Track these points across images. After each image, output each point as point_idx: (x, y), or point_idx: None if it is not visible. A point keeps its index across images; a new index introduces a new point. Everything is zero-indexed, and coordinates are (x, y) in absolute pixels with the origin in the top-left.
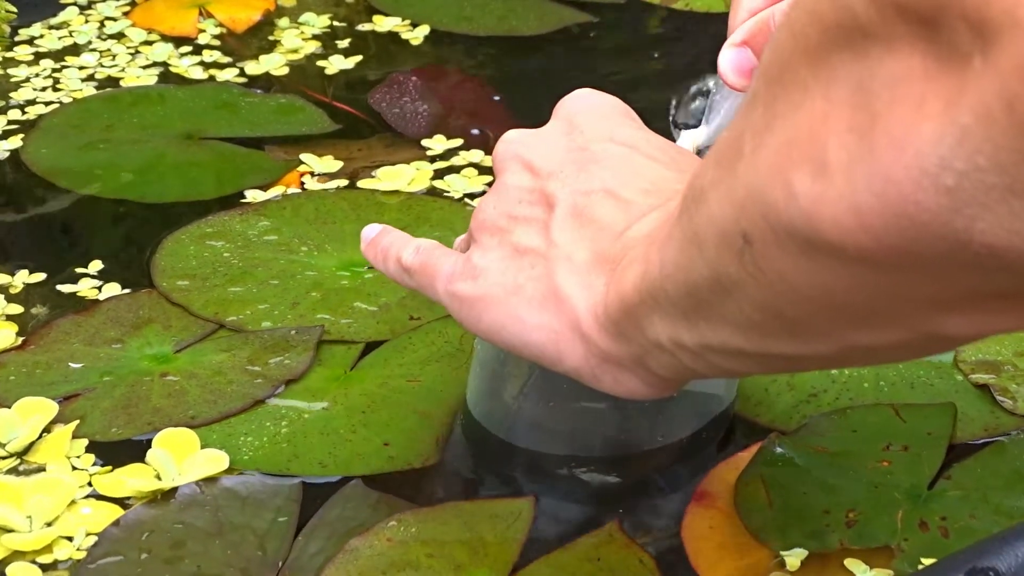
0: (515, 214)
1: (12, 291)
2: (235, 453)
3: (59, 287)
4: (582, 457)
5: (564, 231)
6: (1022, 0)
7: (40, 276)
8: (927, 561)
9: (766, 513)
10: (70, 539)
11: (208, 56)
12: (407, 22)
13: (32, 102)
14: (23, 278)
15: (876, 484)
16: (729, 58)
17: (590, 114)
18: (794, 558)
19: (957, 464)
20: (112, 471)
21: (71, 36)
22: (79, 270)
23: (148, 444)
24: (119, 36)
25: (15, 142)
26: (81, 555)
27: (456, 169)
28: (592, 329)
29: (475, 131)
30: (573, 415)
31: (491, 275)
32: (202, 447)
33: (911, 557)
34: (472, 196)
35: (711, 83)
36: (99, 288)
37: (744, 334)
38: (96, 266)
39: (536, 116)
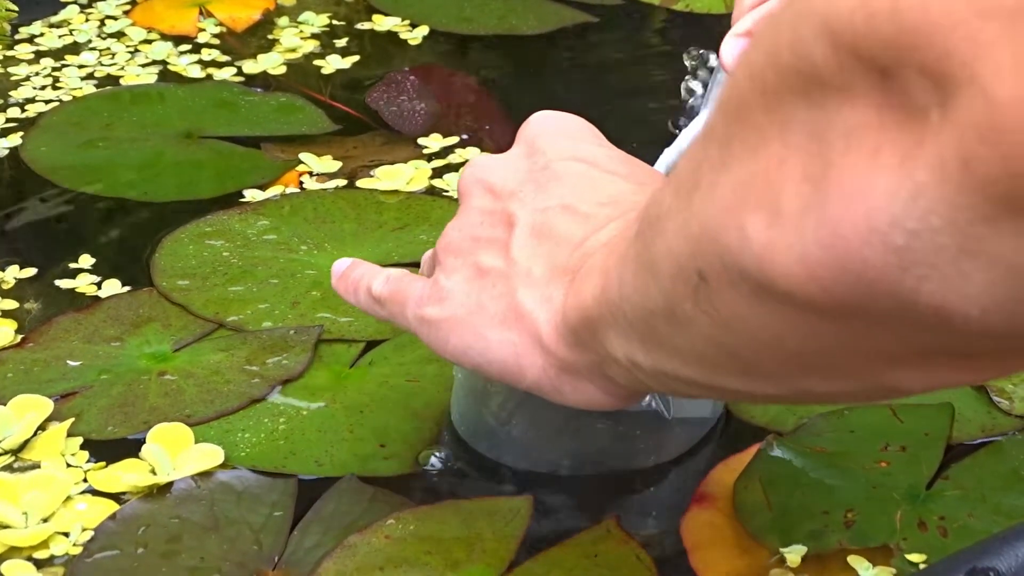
0: (477, 235)
1: (4, 287)
2: (232, 449)
3: (56, 282)
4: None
5: (523, 248)
6: (981, 54)
7: (29, 271)
8: (917, 558)
9: (765, 514)
10: (66, 535)
11: (207, 55)
12: (406, 22)
13: (32, 100)
14: (14, 273)
15: (874, 484)
16: (731, 48)
17: (551, 135)
18: (795, 555)
19: (955, 464)
20: (107, 467)
21: (71, 35)
22: (76, 266)
23: (141, 443)
24: (119, 35)
25: (14, 140)
26: (77, 550)
27: (453, 167)
28: (551, 340)
29: (465, 136)
30: (560, 441)
31: (456, 296)
32: (199, 443)
33: (910, 557)
34: None
35: (705, 68)
36: (98, 285)
37: (696, 366)
38: (95, 264)
39: None
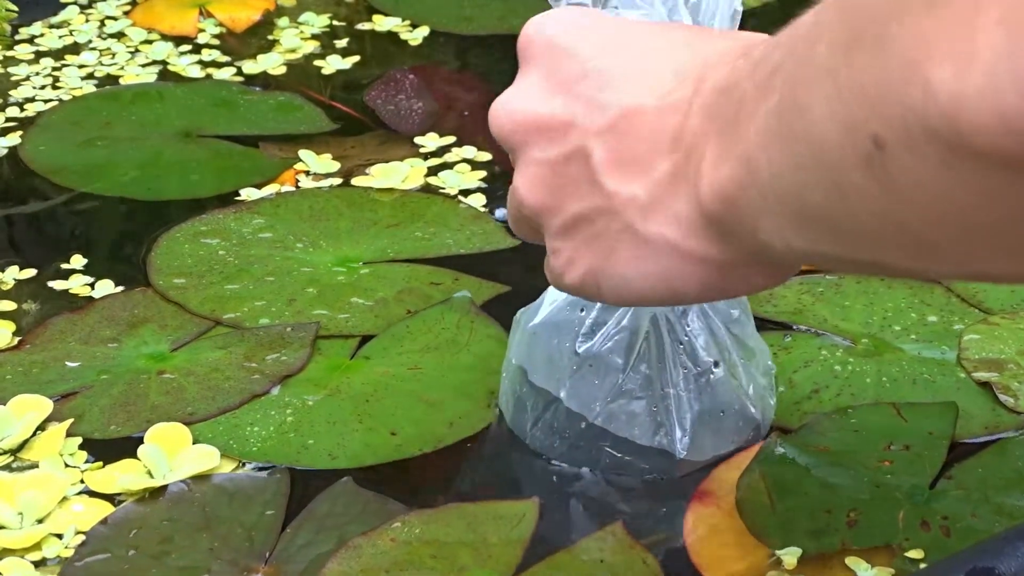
0: (558, 186)
1: (3, 287)
2: (243, 444)
3: (51, 283)
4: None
5: (613, 177)
6: None
7: (30, 272)
8: (917, 555)
9: (767, 513)
10: (60, 536)
11: (207, 55)
12: (407, 22)
13: (31, 100)
14: (13, 274)
15: (877, 484)
16: None
17: (566, 37)
18: (790, 556)
19: (958, 464)
20: (104, 467)
21: (71, 35)
22: (72, 267)
23: (143, 442)
24: (119, 35)
25: (13, 139)
26: (70, 553)
27: (449, 165)
28: (695, 248)
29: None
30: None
31: (579, 255)
32: (207, 439)
33: (913, 557)
34: (467, 192)
35: None
36: (91, 285)
37: (860, 244)
38: (90, 263)
39: None
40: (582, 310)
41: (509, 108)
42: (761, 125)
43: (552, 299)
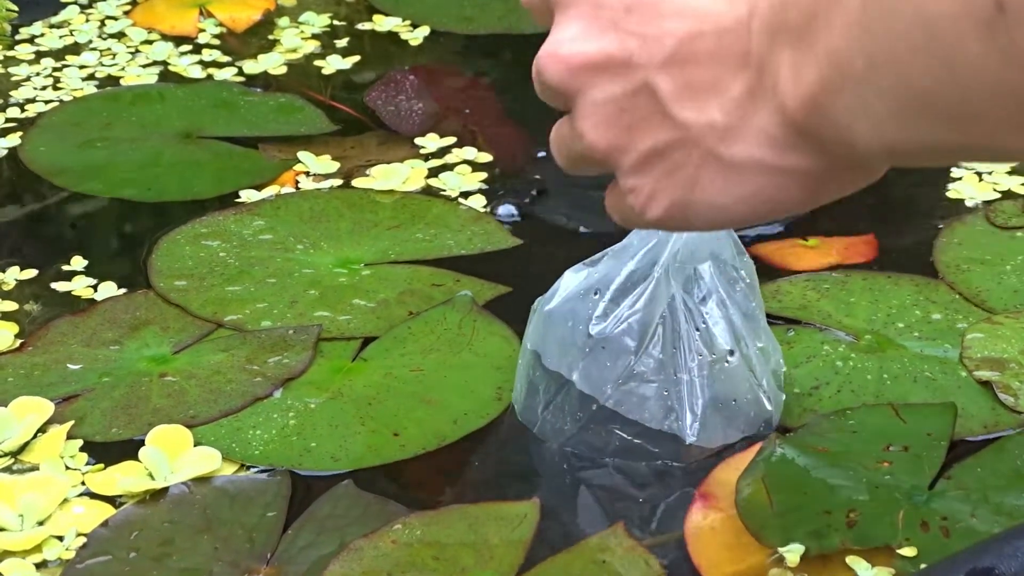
0: (628, 124)
1: (5, 288)
2: (245, 448)
3: (53, 285)
4: (585, 459)
5: (684, 106)
6: None
7: (31, 273)
8: (907, 551)
9: (767, 513)
10: (60, 538)
11: (207, 55)
12: (407, 22)
13: (32, 100)
14: (15, 275)
15: (877, 484)
16: None
17: None
18: (793, 554)
19: (957, 464)
20: (105, 469)
21: (72, 35)
22: (73, 268)
23: (144, 444)
24: (119, 35)
25: (13, 140)
26: (70, 555)
27: (450, 167)
28: (788, 163)
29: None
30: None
31: (661, 189)
32: (209, 442)
33: (913, 558)
34: (467, 194)
35: None
36: (94, 287)
37: (969, 128)
38: (91, 265)
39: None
40: (596, 293)
41: (560, 55)
42: (852, 18)
43: (567, 285)
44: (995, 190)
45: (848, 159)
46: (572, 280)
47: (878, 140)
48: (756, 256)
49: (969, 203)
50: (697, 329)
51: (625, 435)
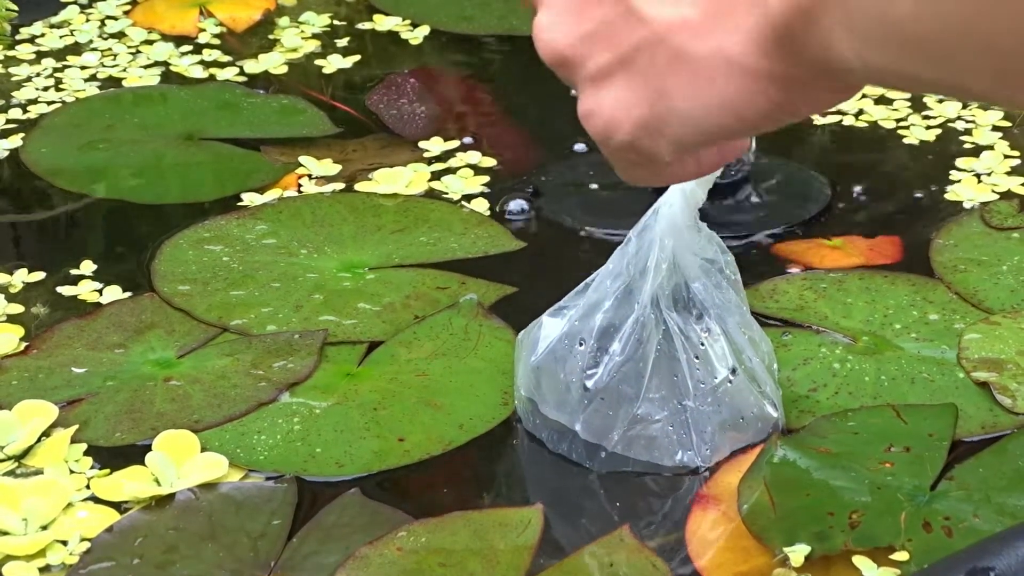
0: (587, 32)
1: (12, 290)
2: (250, 453)
3: (59, 288)
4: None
5: (654, 1)
6: None
7: (39, 275)
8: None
9: (769, 515)
10: (64, 543)
11: (208, 55)
12: (407, 22)
13: (34, 101)
14: (22, 277)
15: (879, 485)
16: None
17: None
18: (797, 555)
19: (959, 465)
20: (111, 474)
21: (72, 35)
22: (78, 272)
23: (148, 449)
24: (120, 35)
25: (15, 141)
26: (74, 560)
27: (453, 170)
28: (763, 67)
29: (467, 139)
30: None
31: (624, 102)
32: (214, 447)
33: (915, 558)
34: (469, 197)
35: None
36: (99, 291)
37: (940, 65)
38: (95, 268)
39: (536, 117)
40: (580, 344)
41: (548, 25)
42: None
43: (548, 333)
44: (993, 191)
45: (825, 72)
46: (553, 327)
47: (857, 58)
48: (780, 256)
49: (967, 205)
50: (697, 357)
51: (639, 468)
